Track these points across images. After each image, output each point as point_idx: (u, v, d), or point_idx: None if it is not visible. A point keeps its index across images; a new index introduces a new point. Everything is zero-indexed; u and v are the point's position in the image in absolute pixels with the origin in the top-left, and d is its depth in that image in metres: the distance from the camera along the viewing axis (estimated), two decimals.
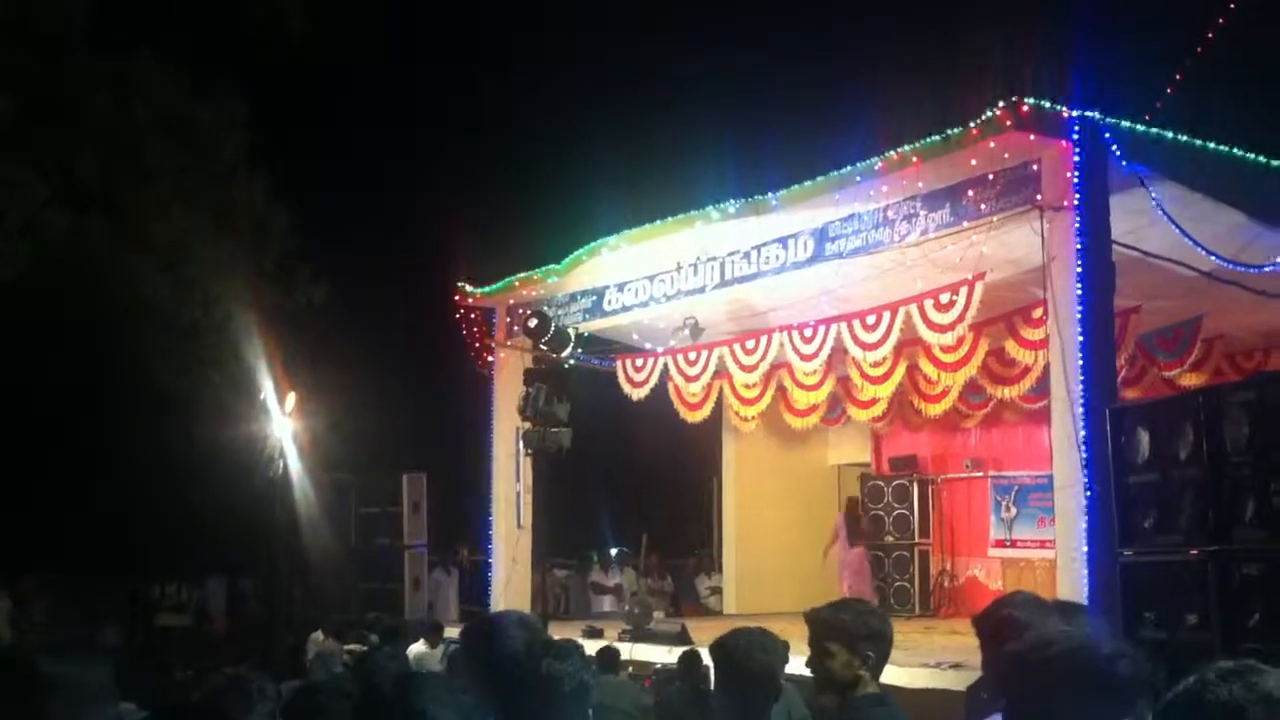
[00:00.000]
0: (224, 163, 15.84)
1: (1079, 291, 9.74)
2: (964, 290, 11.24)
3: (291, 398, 16.38)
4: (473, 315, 16.13)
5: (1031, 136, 10.05)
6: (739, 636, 3.87)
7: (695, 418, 15.68)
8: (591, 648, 10.23)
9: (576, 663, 2.83)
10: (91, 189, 14.85)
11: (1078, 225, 9.80)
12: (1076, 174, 9.86)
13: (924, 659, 10.12)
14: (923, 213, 11.26)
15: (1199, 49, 13.24)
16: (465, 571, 17.64)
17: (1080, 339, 9.69)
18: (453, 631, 13.10)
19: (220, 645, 17.71)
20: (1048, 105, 9.92)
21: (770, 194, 12.10)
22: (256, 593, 20.27)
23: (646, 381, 14.97)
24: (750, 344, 14.00)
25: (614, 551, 19.19)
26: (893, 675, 9.14)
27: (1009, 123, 9.90)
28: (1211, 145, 10.57)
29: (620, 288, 14.53)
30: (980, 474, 16.30)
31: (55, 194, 14.33)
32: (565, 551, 18.71)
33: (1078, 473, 9.42)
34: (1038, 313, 10.88)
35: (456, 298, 15.94)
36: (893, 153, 10.90)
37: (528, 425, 12.90)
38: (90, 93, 14.61)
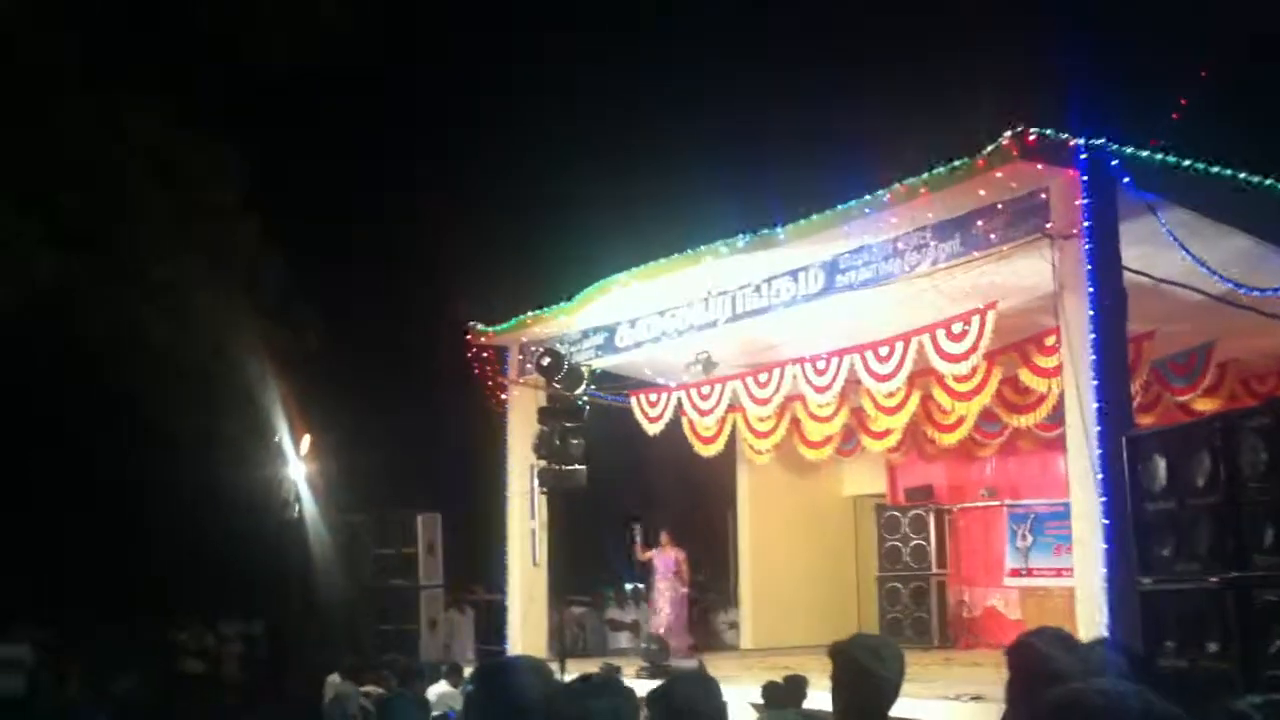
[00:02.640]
0: (227, 204, 15.87)
1: (1091, 318, 9.72)
2: (976, 319, 11.24)
3: (306, 440, 16.40)
4: (485, 354, 16.15)
5: (1039, 166, 10.04)
6: (683, 684, 3.78)
7: (709, 451, 15.66)
8: None
9: (612, 699, 2.81)
10: (89, 233, 14.86)
11: (1088, 253, 9.79)
12: (1085, 202, 9.85)
13: (943, 691, 10.06)
14: (932, 243, 11.27)
15: (1205, 74, 13.27)
16: (480, 611, 17.57)
17: (1094, 366, 9.65)
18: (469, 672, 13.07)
19: (236, 689, 17.65)
20: (1055, 134, 9.93)
21: (779, 228, 12.10)
22: (272, 635, 20.22)
23: (661, 416, 14.98)
24: (763, 377, 14.00)
25: (630, 587, 19.13)
26: (912, 708, 9.08)
27: (1016, 153, 9.90)
28: (1220, 170, 10.57)
29: (632, 324, 14.54)
30: (996, 503, 16.23)
31: (50, 237, 14.32)
32: (581, 588, 18.65)
33: (1095, 501, 9.37)
34: (1050, 340, 10.87)
35: (469, 337, 15.96)
36: (901, 184, 10.91)
37: (543, 463, 12.90)
38: (89, 134, 14.64)
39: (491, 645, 16.10)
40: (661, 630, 15.13)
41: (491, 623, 16.78)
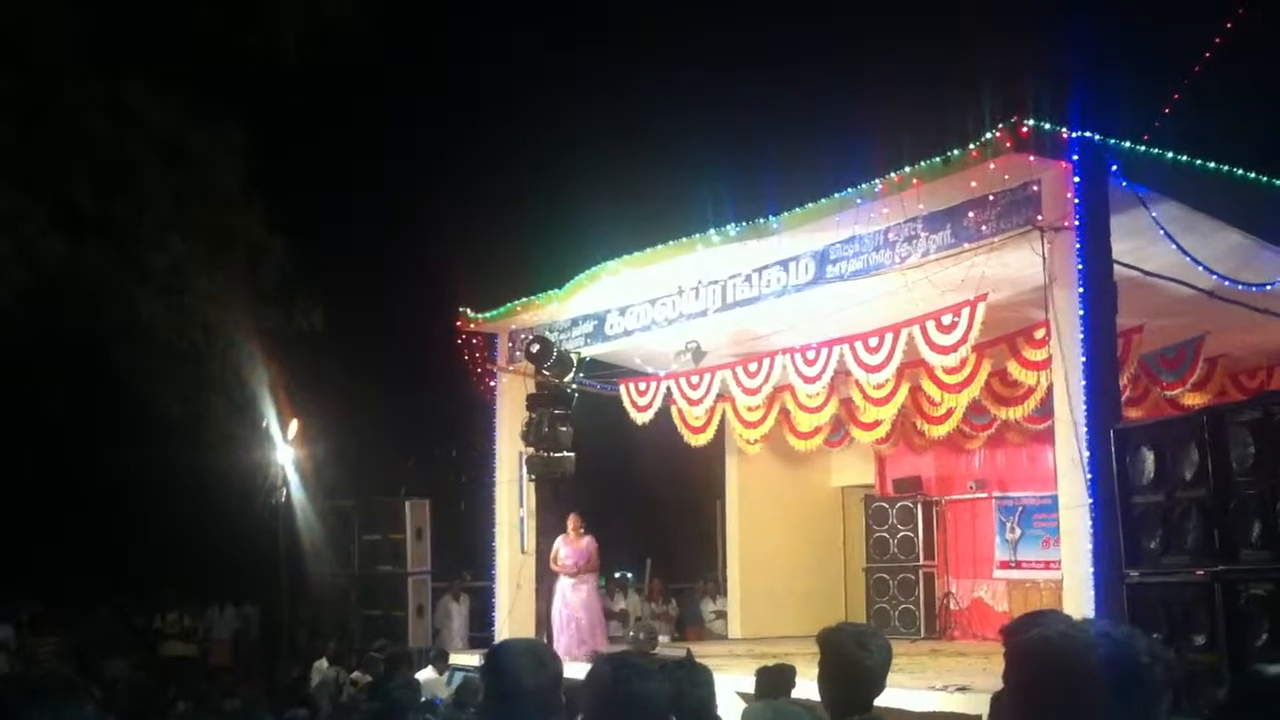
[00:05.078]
0: (222, 188, 15.81)
1: (1081, 312, 9.72)
2: (966, 311, 11.23)
3: (294, 425, 16.37)
4: (474, 341, 16.13)
5: (1031, 158, 10.04)
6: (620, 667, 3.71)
7: (698, 441, 15.66)
8: None
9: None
10: (88, 215, 14.83)
11: (1078, 245, 9.79)
12: (1077, 194, 9.86)
13: (930, 682, 10.09)
14: (923, 234, 11.26)
15: (1198, 68, 13.28)
16: (475, 599, 17.54)
17: (1083, 359, 9.66)
18: (458, 659, 13.07)
19: (224, 674, 17.64)
20: (1047, 126, 9.92)
21: (771, 217, 12.08)
22: (260, 621, 20.22)
23: (650, 405, 14.96)
24: (752, 367, 13.99)
25: (618, 576, 19.13)
26: (900, 698, 9.11)
27: (1009, 144, 9.89)
28: (1211, 164, 10.58)
29: (622, 312, 14.52)
30: (984, 495, 16.25)
31: (51, 220, 14.31)
32: None
33: (1083, 494, 9.39)
34: (1040, 333, 10.88)
35: (458, 323, 15.94)
36: (893, 175, 10.90)
37: (531, 451, 12.90)
38: (87, 118, 14.59)
39: (480, 633, 16.11)
40: (577, 646, 13.47)
41: (483, 610, 16.79)
